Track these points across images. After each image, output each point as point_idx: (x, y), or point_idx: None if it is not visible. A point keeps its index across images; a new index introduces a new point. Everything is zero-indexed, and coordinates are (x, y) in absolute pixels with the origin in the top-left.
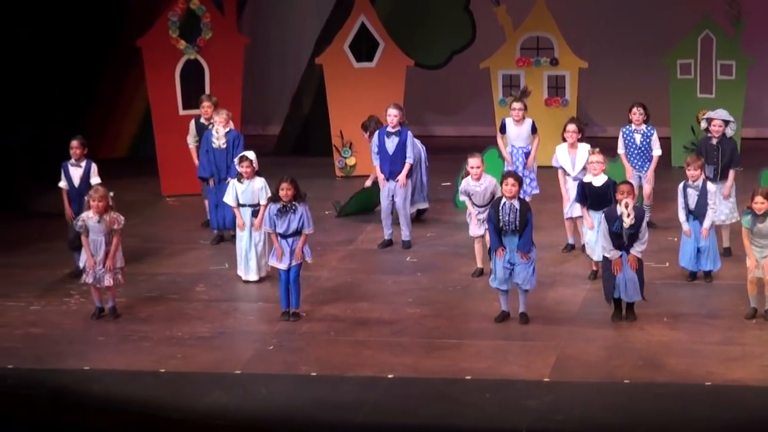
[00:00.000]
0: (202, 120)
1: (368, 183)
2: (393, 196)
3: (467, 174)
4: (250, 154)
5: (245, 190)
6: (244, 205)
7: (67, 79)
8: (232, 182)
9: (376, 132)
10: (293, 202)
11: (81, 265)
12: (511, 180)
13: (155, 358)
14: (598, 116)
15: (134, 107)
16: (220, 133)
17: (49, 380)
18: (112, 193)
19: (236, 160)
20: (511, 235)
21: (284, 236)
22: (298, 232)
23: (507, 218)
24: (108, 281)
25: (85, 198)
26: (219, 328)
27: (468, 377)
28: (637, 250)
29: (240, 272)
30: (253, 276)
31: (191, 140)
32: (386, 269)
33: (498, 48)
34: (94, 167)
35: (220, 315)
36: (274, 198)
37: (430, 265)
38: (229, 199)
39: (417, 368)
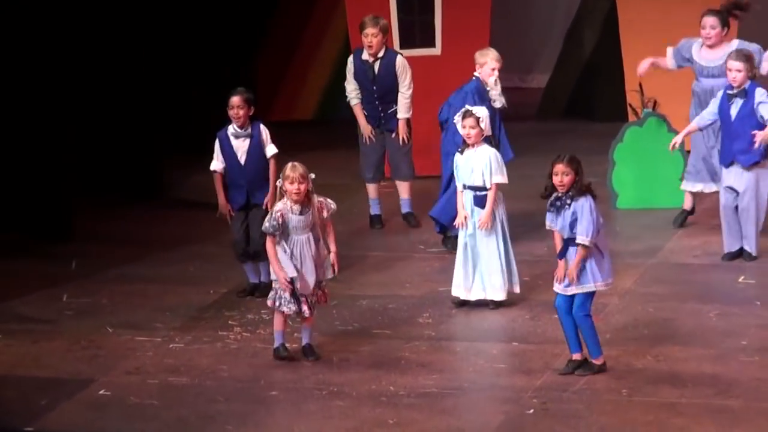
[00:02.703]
0: (365, 56)
1: (676, 142)
2: (735, 189)
3: None
4: (480, 111)
5: (465, 163)
6: (466, 187)
7: (227, 16)
8: (456, 155)
9: (720, 91)
10: (571, 194)
11: (259, 279)
12: None
13: (355, 424)
14: None
15: (324, 50)
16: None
17: None
18: (313, 175)
19: (457, 116)
20: None
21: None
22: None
23: None
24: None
25: (278, 183)
26: (452, 379)
27: None
28: None
29: (457, 291)
30: (478, 294)
31: (351, 90)
32: (707, 295)
33: None
34: (265, 133)
35: (453, 360)
36: (549, 189)
37: None
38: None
39: None
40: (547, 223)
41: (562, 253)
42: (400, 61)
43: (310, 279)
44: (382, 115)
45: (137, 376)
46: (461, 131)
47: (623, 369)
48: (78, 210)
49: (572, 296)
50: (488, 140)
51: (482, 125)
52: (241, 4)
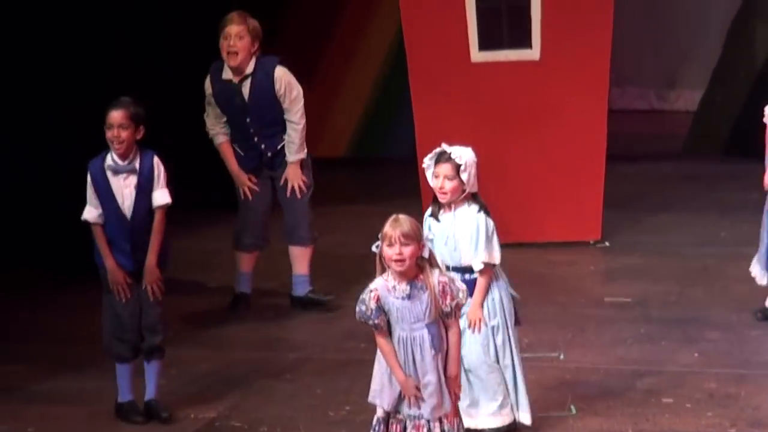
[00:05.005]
0: (226, 74)
1: None
2: None
3: None
4: (464, 153)
5: (442, 233)
6: (449, 268)
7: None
8: (427, 220)
9: None
10: None
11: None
12: None
13: None
14: None
15: (362, 57)
16: None
17: None
18: (432, 235)
19: (427, 159)
20: None
21: None
22: None
23: None
24: None
25: (374, 247)
26: None
27: None
28: None
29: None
30: (483, 422)
31: (212, 121)
32: None
33: None
34: (159, 168)
35: None
36: None
37: None
38: None
39: None
40: None
41: None
42: (281, 74)
43: (427, 407)
44: (269, 154)
45: None
46: (432, 182)
47: None
48: None
49: None
50: (476, 198)
51: (463, 176)
52: None
